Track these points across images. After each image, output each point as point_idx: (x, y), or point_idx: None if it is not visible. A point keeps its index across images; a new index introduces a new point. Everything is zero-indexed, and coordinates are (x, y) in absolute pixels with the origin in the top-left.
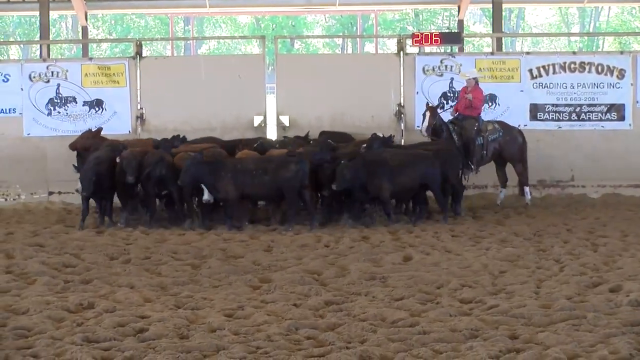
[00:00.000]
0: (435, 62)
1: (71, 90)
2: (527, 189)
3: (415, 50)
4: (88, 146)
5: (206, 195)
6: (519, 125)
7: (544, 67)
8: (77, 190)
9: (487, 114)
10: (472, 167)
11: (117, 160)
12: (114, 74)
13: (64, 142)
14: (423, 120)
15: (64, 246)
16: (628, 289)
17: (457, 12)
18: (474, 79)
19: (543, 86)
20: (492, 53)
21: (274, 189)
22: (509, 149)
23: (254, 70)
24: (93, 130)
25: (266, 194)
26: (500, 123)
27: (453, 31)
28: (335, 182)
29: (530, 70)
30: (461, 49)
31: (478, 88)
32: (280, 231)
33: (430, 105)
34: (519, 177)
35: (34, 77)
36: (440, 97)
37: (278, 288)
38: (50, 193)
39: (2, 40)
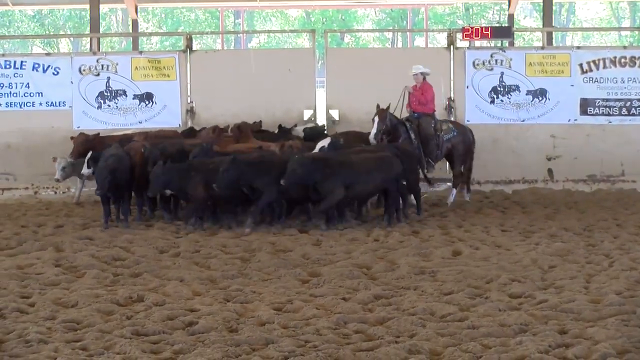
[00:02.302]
0: (486, 56)
1: (121, 84)
2: (455, 190)
3: (465, 44)
4: (89, 148)
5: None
6: (569, 120)
7: (594, 61)
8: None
9: (538, 108)
10: (433, 163)
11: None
12: (164, 67)
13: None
14: (372, 127)
15: (113, 239)
16: None
17: (507, 6)
18: (421, 73)
19: (593, 81)
20: (542, 47)
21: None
22: (460, 148)
23: (304, 64)
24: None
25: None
26: (454, 123)
27: (503, 25)
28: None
29: (581, 65)
30: (511, 43)
31: (427, 83)
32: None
33: (379, 108)
34: (460, 176)
35: (84, 70)
36: (491, 91)
37: (327, 282)
38: None
39: (52, 33)
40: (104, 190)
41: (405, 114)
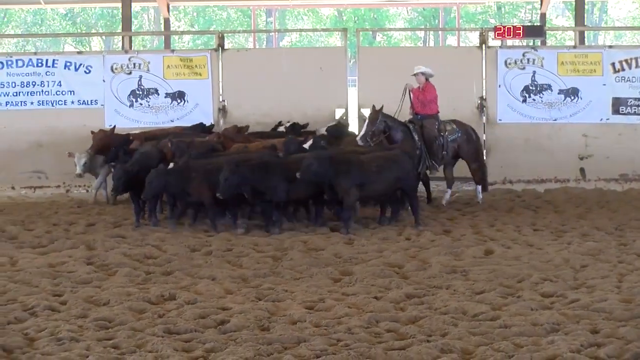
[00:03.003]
0: (518, 55)
1: (153, 82)
2: (479, 187)
3: (497, 43)
4: (109, 144)
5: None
6: (601, 119)
7: (626, 60)
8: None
9: (570, 107)
10: (437, 166)
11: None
12: (196, 66)
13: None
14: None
15: (145, 237)
16: None
17: (539, 5)
18: (422, 73)
19: (625, 80)
20: (574, 46)
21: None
22: (467, 147)
23: (335, 63)
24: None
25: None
26: (457, 123)
27: (535, 24)
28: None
29: (613, 64)
30: (543, 43)
31: (429, 84)
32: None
33: (373, 110)
34: (473, 176)
35: (116, 68)
36: (523, 90)
37: (359, 281)
38: None
39: (84, 31)
40: (117, 191)
41: (404, 113)
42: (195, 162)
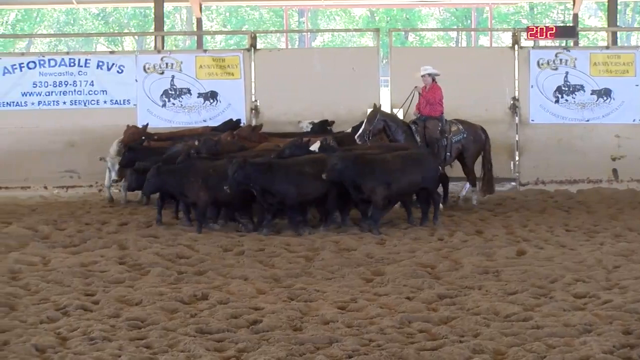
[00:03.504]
0: (550, 55)
1: (185, 82)
2: (467, 185)
3: (529, 43)
4: (138, 139)
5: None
6: (634, 120)
7: None
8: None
9: (602, 108)
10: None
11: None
12: (228, 65)
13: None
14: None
15: (177, 237)
16: None
17: (572, 6)
18: (429, 75)
19: None
20: (607, 47)
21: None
22: (472, 148)
23: (367, 63)
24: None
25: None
26: (464, 123)
27: (568, 25)
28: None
29: None
30: (576, 43)
31: (435, 85)
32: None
33: (376, 106)
34: (467, 176)
35: (148, 68)
36: (555, 90)
37: (391, 281)
38: None
39: (116, 31)
40: (145, 192)
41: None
42: (194, 163)
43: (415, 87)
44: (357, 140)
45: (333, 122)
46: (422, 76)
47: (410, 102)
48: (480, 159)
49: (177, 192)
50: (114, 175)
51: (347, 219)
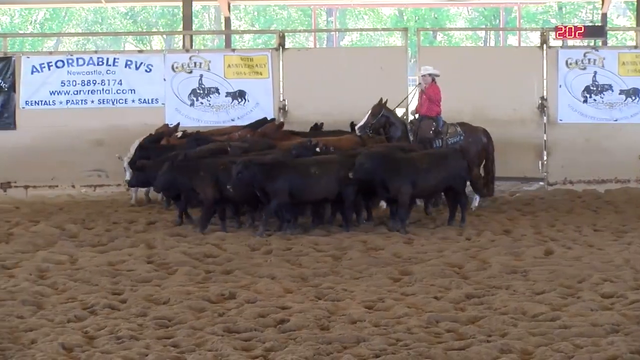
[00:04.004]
0: (579, 55)
1: (214, 81)
2: (477, 197)
3: (558, 43)
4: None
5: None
6: None
7: None
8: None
9: (631, 107)
10: None
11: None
12: (256, 65)
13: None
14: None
15: (205, 236)
16: None
17: (600, 5)
18: (429, 75)
19: None
20: (635, 47)
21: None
22: (470, 150)
23: (396, 63)
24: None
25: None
26: (463, 125)
27: (596, 24)
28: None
29: None
30: (604, 43)
31: (435, 85)
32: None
33: (382, 102)
34: (479, 178)
35: (177, 67)
36: (583, 90)
37: (418, 280)
38: None
39: (145, 30)
40: (157, 189)
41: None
42: (205, 160)
43: (419, 83)
44: (358, 132)
45: (322, 124)
46: (422, 76)
47: (411, 99)
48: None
49: (186, 188)
50: (127, 175)
51: (360, 219)
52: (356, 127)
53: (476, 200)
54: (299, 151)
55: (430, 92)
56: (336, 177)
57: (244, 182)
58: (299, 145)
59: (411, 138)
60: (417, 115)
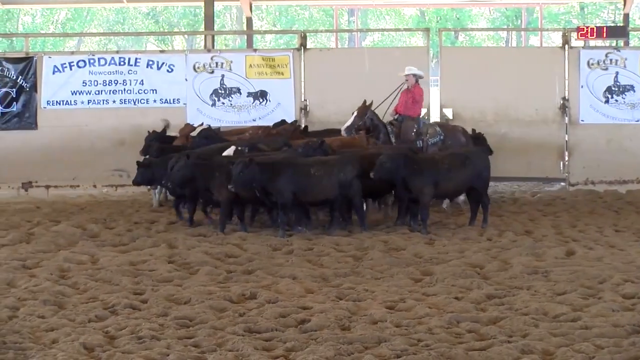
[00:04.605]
0: (600, 55)
1: (235, 82)
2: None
3: (580, 43)
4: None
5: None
6: None
7: None
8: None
9: None
10: None
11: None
12: (278, 65)
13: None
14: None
15: (226, 236)
16: None
17: (622, 6)
18: (413, 75)
19: None
20: None
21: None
22: None
23: (418, 63)
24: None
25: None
26: (443, 126)
27: (618, 25)
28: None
29: None
30: (626, 43)
31: (418, 86)
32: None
33: (365, 104)
34: None
35: (198, 67)
36: (605, 91)
37: (440, 281)
38: None
39: (166, 30)
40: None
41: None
42: (220, 160)
43: (403, 82)
44: (343, 133)
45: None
46: (406, 76)
47: (351, 122)
48: None
49: (202, 186)
50: None
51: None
52: (342, 128)
53: (446, 202)
54: (306, 151)
55: (415, 93)
56: (337, 178)
57: (244, 182)
58: (306, 145)
59: (393, 140)
60: (396, 116)
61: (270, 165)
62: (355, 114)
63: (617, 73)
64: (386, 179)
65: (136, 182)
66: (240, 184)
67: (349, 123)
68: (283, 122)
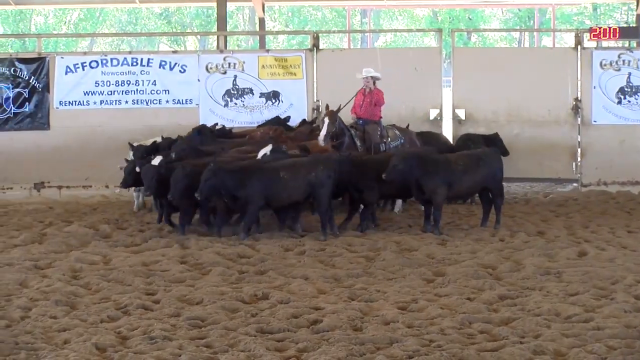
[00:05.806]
0: (613, 56)
1: (248, 82)
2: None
3: (592, 44)
4: None
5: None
6: None
7: None
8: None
9: None
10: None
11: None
12: (290, 65)
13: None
14: (321, 128)
15: (239, 237)
16: None
17: (635, 7)
18: (372, 77)
19: None
20: None
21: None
22: None
23: (430, 63)
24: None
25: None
26: (400, 129)
27: (631, 25)
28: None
29: None
30: (639, 44)
31: (377, 89)
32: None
33: (329, 110)
34: None
35: (211, 68)
36: (618, 91)
37: (452, 282)
38: None
39: (179, 31)
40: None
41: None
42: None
43: (327, 106)
44: (322, 143)
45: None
46: (364, 78)
47: (325, 130)
48: None
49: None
50: None
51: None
52: (319, 138)
53: (399, 205)
54: (274, 154)
55: (375, 96)
56: (307, 179)
57: (212, 190)
58: (274, 149)
59: (358, 143)
60: (355, 118)
61: (238, 171)
62: (328, 121)
63: (629, 74)
64: (399, 180)
65: (126, 185)
66: (206, 192)
67: (324, 131)
68: (304, 122)
